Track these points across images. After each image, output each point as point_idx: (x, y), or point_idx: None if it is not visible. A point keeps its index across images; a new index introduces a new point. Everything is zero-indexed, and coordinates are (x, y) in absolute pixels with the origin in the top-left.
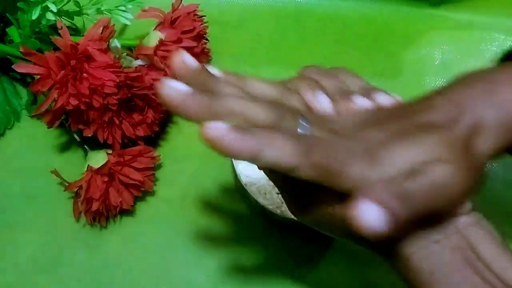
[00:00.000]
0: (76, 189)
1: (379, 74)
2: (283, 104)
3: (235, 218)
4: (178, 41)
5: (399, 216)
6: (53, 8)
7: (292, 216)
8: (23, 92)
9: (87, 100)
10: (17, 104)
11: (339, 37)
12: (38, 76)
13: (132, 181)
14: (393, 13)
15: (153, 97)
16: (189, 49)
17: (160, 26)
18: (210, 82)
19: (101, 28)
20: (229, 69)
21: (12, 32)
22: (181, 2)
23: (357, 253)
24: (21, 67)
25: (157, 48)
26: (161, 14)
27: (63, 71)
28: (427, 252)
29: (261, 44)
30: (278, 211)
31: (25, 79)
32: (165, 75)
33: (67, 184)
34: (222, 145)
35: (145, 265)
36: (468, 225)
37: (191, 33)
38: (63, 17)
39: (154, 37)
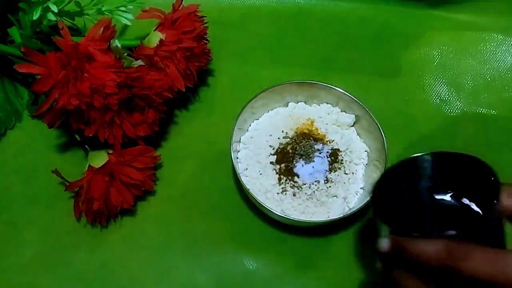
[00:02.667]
0: (77, 189)
1: (378, 74)
2: None
3: (235, 218)
4: (179, 41)
5: None
6: (54, 8)
7: (292, 216)
8: (24, 92)
9: (88, 100)
10: (18, 104)
11: (339, 37)
12: (39, 76)
13: (133, 180)
14: (392, 13)
15: (153, 97)
16: (189, 50)
17: (160, 26)
18: None
19: (102, 29)
20: (229, 69)
21: (13, 32)
22: (181, 3)
23: (354, 254)
24: (22, 68)
25: (157, 48)
26: (161, 15)
27: (64, 71)
28: None
29: (261, 44)
30: (279, 210)
31: (26, 79)
32: (165, 75)
33: (68, 184)
34: None
35: (145, 265)
36: None
37: (191, 33)
38: (64, 17)
39: (155, 38)
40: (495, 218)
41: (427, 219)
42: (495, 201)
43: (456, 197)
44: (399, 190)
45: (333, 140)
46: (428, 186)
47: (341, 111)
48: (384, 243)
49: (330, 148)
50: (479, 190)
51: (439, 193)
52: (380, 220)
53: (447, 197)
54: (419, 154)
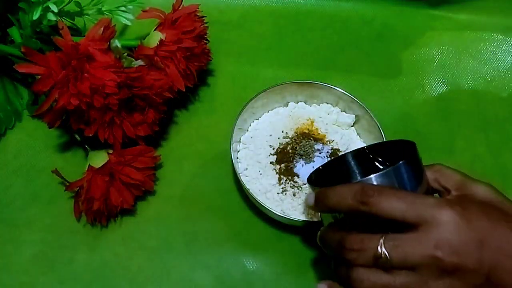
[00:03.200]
0: (77, 188)
1: (378, 74)
2: None
3: (235, 218)
4: (179, 41)
5: None
6: (54, 8)
7: (292, 216)
8: (24, 92)
9: (88, 100)
10: (18, 104)
11: (339, 37)
12: (39, 76)
13: (133, 180)
14: (393, 13)
15: (153, 97)
16: (189, 50)
17: (160, 26)
18: None
19: (102, 29)
20: (229, 69)
21: (13, 32)
22: (181, 3)
23: None
24: (22, 67)
25: (157, 48)
26: (161, 15)
27: (64, 71)
28: None
29: (261, 44)
30: (279, 210)
31: (26, 79)
32: (165, 75)
33: (68, 184)
34: None
35: (145, 265)
36: None
37: (191, 33)
38: (64, 17)
39: (155, 38)
40: (426, 190)
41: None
42: (406, 157)
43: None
44: (331, 171)
45: (333, 140)
46: (356, 164)
47: (341, 111)
48: (310, 197)
49: (330, 148)
50: (400, 156)
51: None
52: (311, 185)
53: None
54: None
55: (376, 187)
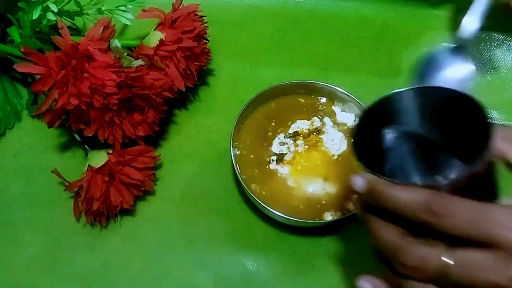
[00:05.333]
0: (77, 188)
1: (378, 74)
2: None
3: (235, 218)
4: (179, 41)
5: None
6: (54, 8)
7: (292, 216)
8: (24, 92)
9: (87, 99)
10: (17, 104)
11: (339, 37)
12: (39, 76)
13: (133, 180)
14: (393, 13)
15: (153, 97)
16: (189, 49)
17: (160, 26)
18: None
19: (102, 28)
20: (229, 69)
21: (13, 32)
22: (181, 2)
23: (354, 254)
24: (21, 67)
25: (157, 48)
26: (161, 14)
27: (63, 71)
28: None
29: (261, 44)
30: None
31: (25, 79)
32: (165, 75)
33: (67, 184)
34: None
35: (145, 265)
36: None
37: (191, 33)
38: (63, 17)
39: (155, 37)
40: (486, 164)
41: (408, 163)
42: (485, 148)
43: (442, 140)
44: (380, 131)
45: (333, 140)
46: (410, 127)
47: (341, 111)
48: (359, 182)
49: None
50: (468, 132)
51: (422, 135)
52: (362, 164)
53: (431, 140)
54: (399, 90)
55: (443, 203)
